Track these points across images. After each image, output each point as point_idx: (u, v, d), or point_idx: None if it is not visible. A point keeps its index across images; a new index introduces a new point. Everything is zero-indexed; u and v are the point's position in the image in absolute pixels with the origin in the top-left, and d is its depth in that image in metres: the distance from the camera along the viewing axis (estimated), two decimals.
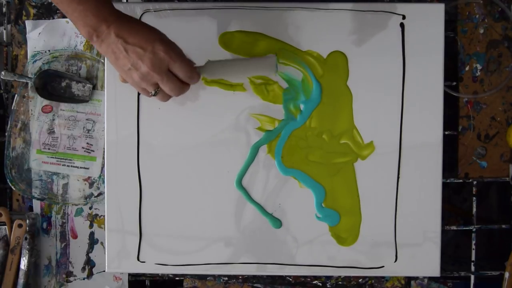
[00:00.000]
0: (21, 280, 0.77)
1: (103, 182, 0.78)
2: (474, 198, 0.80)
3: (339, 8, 0.72)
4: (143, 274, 0.80)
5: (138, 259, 0.73)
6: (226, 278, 0.80)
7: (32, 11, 0.80)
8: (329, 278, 0.79)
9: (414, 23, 0.72)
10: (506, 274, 0.77)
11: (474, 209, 0.80)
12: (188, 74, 0.62)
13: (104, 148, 0.75)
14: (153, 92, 0.63)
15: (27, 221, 0.78)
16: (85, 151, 0.79)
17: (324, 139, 0.72)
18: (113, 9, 0.60)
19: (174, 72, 0.61)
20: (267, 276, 0.80)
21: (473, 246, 0.79)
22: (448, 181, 0.79)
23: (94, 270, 0.81)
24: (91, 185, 0.80)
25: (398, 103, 0.72)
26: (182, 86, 0.63)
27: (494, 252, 0.95)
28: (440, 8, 0.72)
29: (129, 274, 0.80)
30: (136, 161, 0.73)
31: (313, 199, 0.72)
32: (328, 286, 0.80)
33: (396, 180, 0.72)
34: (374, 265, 0.73)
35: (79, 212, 0.80)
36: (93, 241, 0.80)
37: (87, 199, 0.80)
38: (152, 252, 0.73)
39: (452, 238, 0.96)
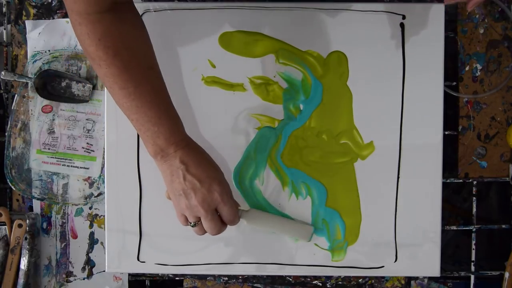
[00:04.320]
0: (21, 280, 0.77)
1: (103, 182, 0.78)
2: (474, 198, 0.80)
3: (339, 8, 0.72)
4: (143, 274, 0.80)
5: (138, 259, 0.73)
6: (226, 278, 0.80)
7: (32, 11, 0.80)
8: (329, 278, 0.79)
9: (414, 23, 0.72)
10: (506, 274, 0.77)
11: (474, 209, 0.80)
12: (231, 219, 0.63)
13: (104, 148, 0.75)
14: (192, 224, 0.63)
15: (27, 221, 0.78)
16: (85, 151, 0.79)
17: (324, 139, 0.72)
18: (185, 135, 0.62)
19: (220, 212, 0.62)
20: (267, 276, 0.80)
21: (473, 246, 0.79)
22: (448, 181, 0.79)
23: (94, 270, 0.81)
24: (91, 185, 0.80)
25: (398, 103, 0.72)
26: (221, 226, 0.63)
27: (494, 252, 0.95)
28: (440, 8, 0.72)
29: (129, 274, 0.80)
30: (136, 161, 0.73)
31: (313, 198, 0.73)
32: (328, 286, 0.80)
33: (396, 180, 0.72)
34: (374, 265, 0.73)
35: (79, 212, 0.80)
36: (93, 241, 0.80)
37: (87, 199, 0.80)
38: (152, 252, 0.73)
39: (452, 238, 0.96)
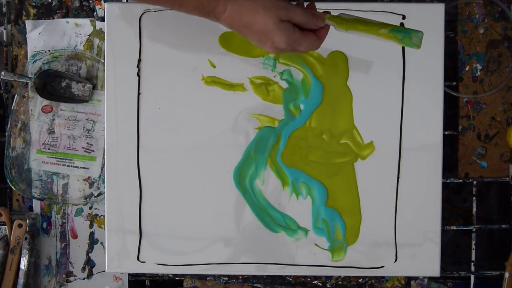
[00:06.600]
0: (21, 280, 0.77)
1: (103, 182, 0.78)
2: (474, 198, 0.80)
3: (339, 8, 0.72)
4: (143, 274, 0.80)
5: (138, 259, 0.73)
6: (226, 278, 0.80)
7: (32, 11, 0.80)
8: (329, 278, 0.79)
9: (414, 23, 0.71)
10: (506, 274, 0.77)
11: (474, 209, 0.80)
12: (316, 44, 0.58)
13: (104, 148, 0.75)
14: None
15: (27, 221, 0.78)
16: (85, 151, 0.79)
17: (324, 139, 0.72)
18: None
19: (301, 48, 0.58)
20: (267, 276, 0.80)
21: (473, 246, 0.79)
22: (448, 181, 0.79)
23: (94, 270, 0.81)
24: (91, 185, 0.80)
25: (398, 103, 0.72)
26: (315, 44, 0.58)
27: (494, 252, 0.95)
28: (440, 8, 0.72)
29: (129, 274, 0.80)
30: (136, 161, 0.73)
31: (314, 198, 0.73)
32: (328, 286, 0.80)
33: (396, 180, 0.72)
34: (374, 265, 0.73)
35: (79, 212, 0.80)
36: (93, 241, 0.80)
37: (87, 199, 0.80)
38: (152, 252, 0.73)
39: (452, 238, 0.96)
